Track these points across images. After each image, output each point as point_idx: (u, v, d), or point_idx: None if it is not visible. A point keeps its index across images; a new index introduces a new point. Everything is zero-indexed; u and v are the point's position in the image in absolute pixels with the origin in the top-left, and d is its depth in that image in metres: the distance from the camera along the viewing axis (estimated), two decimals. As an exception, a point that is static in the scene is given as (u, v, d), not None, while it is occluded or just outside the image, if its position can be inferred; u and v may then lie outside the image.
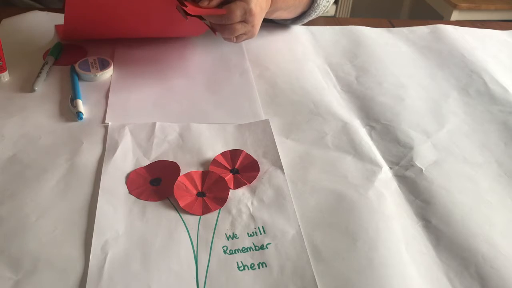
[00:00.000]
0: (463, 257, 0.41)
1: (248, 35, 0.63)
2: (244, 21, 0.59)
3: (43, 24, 0.73)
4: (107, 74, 0.62)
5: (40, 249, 0.39)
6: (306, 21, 0.78)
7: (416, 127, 0.56)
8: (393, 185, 0.48)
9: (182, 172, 0.47)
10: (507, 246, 0.42)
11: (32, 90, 0.58)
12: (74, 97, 0.56)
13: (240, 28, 0.60)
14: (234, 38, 0.62)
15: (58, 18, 0.74)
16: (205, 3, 0.57)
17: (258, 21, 0.61)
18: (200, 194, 0.45)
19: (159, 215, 0.43)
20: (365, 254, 0.40)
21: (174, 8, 0.59)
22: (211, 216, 0.43)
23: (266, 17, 0.72)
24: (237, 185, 0.46)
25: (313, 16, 0.77)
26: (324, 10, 0.78)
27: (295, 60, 0.69)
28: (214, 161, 0.49)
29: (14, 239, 0.39)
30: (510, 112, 0.60)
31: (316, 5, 0.75)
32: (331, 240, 0.41)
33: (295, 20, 0.77)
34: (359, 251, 0.40)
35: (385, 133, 0.55)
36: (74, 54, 0.66)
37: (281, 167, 0.48)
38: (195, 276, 0.38)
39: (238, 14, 0.57)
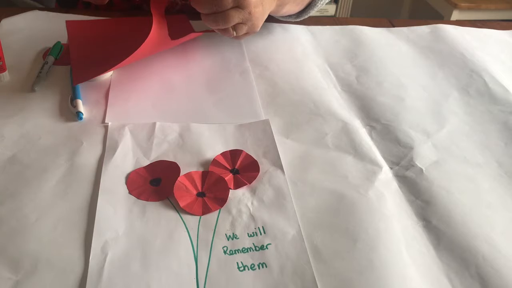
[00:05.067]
0: (464, 257, 0.41)
1: (248, 26, 0.57)
2: (238, 6, 0.53)
3: (43, 24, 0.73)
4: (107, 74, 0.62)
5: (40, 249, 0.39)
6: (312, 12, 0.75)
7: (416, 127, 0.56)
8: (394, 185, 0.48)
9: (182, 172, 0.47)
10: (507, 246, 0.42)
11: (32, 90, 0.58)
12: (74, 97, 0.56)
13: (235, 15, 0.54)
14: (233, 31, 0.57)
15: (58, 18, 0.74)
16: None
17: (255, 8, 0.55)
18: (200, 194, 0.45)
19: (159, 215, 0.42)
20: (365, 254, 0.40)
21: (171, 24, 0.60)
22: (211, 216, 0.43)
23: (275, 15, 0.69)
24: (237, 185, 0.46)
25: (318, 6, 0.73)
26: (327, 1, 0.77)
27: (295, 60, 0.69)
28: (214, 161, 0.49)
29: (14, 239, 0.39)
30: (511, 112, 0.60)
31: None
32: (331, 240, 0.41)
33: (300, 13, 0.75)
34: (359, 251, 0.40)
35: (385, 133, 0.55)
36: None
37: (281, 167, 0.48)
38: (195, 277, 0.38)
39: None
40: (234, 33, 0.57)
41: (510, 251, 0.41)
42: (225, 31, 0.57)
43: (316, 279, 0.38)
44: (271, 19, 0.78)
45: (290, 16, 0.76)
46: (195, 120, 0.55)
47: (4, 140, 0.49)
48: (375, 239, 0.41)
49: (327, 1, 0.76)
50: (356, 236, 0.41)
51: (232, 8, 0.54)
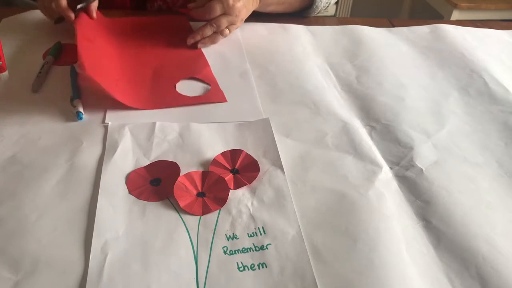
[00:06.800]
0: (464, 257, 0.41)
1: (237, 25, 0.71)
2: (225, 13, 0.67)
3: (43, 24, 0.73)
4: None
5: (40, 249, 0.39)
6: (309, 16, 0.82)
7: (416, 127, 0.56)
8: (394, 185, 0.48)
9: (182, 172, 0.47)
10: (507, 246, 0.42)
11: (32, 90, 0.58)
12: (74, 97, 0.56)
13: (224, 21, 0.68)
14: (226, 30, 0.70)
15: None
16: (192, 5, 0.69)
17: (240, 11, 0.68)
18: (200, 194, 0.45)
19: (159, 215, 0.42)
20: (365, 254, 0.40)
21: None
22: (211, 216, 0.43)
23: (261, 10, 0.76)
24: (237, 185, 0.46)
25: (312, 15, 0.80)
26: (326, 8, 0.79)
27: (295, 60, 0.69)
28: (214, 161, 0.48)
29: (14, 240, 0.39)
30: (511, 112, 0.60)
31: (315, 6, 0.78)
32: (331, 240, 0.41)
33: (300, 13, 0.79)
34: (359, 251, 0.40)
35: (385, 133, 0.55)
36: (74, 54, 0.65)
37: (281, 167, 0.48)
38: (195, 277, 0.38)
39: (217, 8, 0.67)
40: (226, 32, 0.70)
41: (510, 251, 0.41)
42: (217, 32, 0.70)
43: (316, 279, 0.38)
44: (272, 18, 0.78)
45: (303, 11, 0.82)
46: (195, 120, 0.55)
47: (4, 140, 0.49)
48: (375, 239, 0.41)
49: (323, 10, 0.80)
50: (356, 236, 0.41)
51: (221, 15, 0.67)
